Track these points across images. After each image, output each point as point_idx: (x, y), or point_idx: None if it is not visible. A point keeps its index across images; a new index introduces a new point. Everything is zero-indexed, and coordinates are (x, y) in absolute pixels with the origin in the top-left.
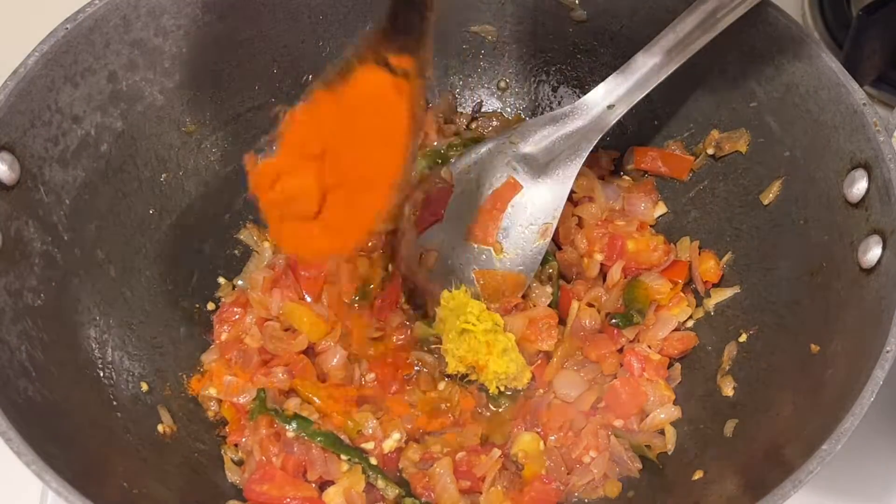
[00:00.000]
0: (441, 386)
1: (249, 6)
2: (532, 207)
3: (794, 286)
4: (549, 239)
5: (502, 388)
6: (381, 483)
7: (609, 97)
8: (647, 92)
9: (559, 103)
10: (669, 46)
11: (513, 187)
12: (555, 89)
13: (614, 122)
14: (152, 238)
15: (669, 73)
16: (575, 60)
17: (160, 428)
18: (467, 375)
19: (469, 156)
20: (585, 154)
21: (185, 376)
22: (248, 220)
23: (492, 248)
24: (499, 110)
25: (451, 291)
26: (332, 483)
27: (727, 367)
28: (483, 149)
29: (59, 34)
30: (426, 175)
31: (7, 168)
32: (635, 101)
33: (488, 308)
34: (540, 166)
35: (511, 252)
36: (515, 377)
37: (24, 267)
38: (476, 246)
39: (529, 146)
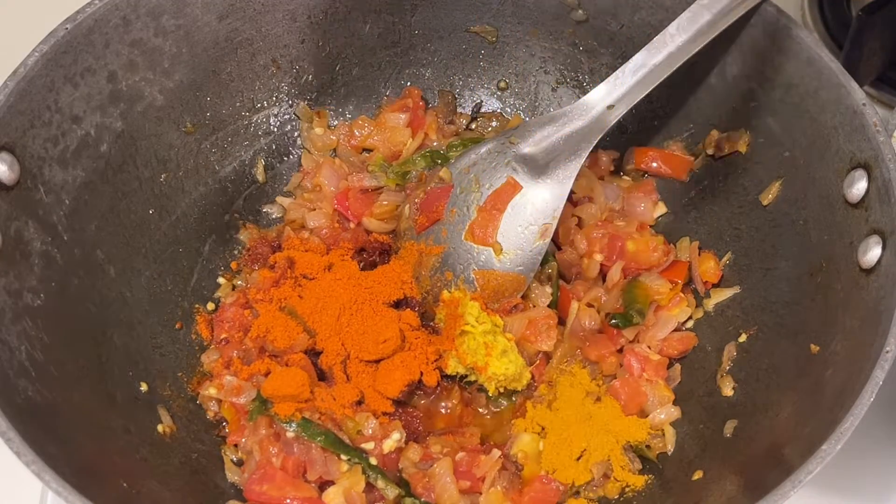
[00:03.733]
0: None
1: (249, 6)
2: (532, 208)
3: (793, 286)
4: (548, 239)
5: (501, 390)
6: (381, 483)
7: (609, 97)
8: (647, 92)
9: (559, 103)
10: (669, 47)
11: (512, 187)
12: (554, 89)
13: (614, 122)
14: (152, 238)
15: (669, 73)
16: (575, 61)
17: (160, 428)
18: (466, 376)
19: (469, 156)
20: (585, 154)
21: (184, 376)
22: (248, 220)
23: (491, 249)
24: (499, 110)
25: (450, 292)
26: (332, 483)
27: (727, 368)
28: (483, 149)
29: (59, 34)
30: (426, 175)
31: (7, 168)
32: (635, 102)
33: (488, 308)
34: (540, 167)
35: (511, 252)
36: (515, 378)
37: (24, 267)
38: (475, 246)
39: (529, 146)
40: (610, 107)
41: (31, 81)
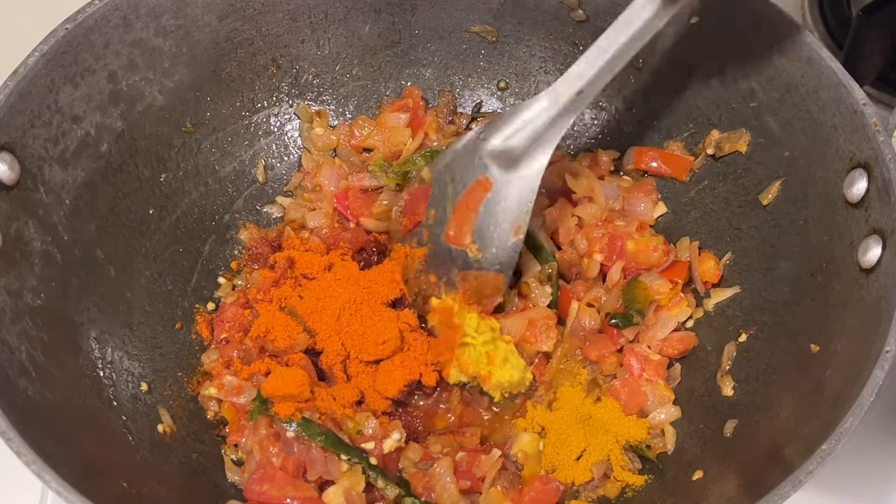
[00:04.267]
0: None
1: (249, 6)
2: (504, 204)
3: (793, 286)
4: (522, 236)
5: (506, 395)
6: (380, 483)
7: (578, 83)
8: (614, 74)
9: None
10: (636, 24)
11: (483, 186)
12: None
13: (584, 107)
14: (152, 238)
15: (637, 50)
16: (575, 61)
17: (160, 428)
18: (468, 383)
19: (446, 154)
20: (556, 142)
21: (184, 376)
22: (248, 220)
23: (468, 249)
24: (499, 110)
25: (439, 298)
26: (332, 483)
27: (727, 367)
28: (458, 145)
29: (59, 34)
30: (412, 177)
31: (7, 168)
32: (604, 85)
33: (470, 308)
34: (511, 160)
35: (486, 251)
36: (519, 383)
37: (24, 267)
38: (453, 247)
39: (499, 140)
40: (579, 92)
41: (32, 81)
